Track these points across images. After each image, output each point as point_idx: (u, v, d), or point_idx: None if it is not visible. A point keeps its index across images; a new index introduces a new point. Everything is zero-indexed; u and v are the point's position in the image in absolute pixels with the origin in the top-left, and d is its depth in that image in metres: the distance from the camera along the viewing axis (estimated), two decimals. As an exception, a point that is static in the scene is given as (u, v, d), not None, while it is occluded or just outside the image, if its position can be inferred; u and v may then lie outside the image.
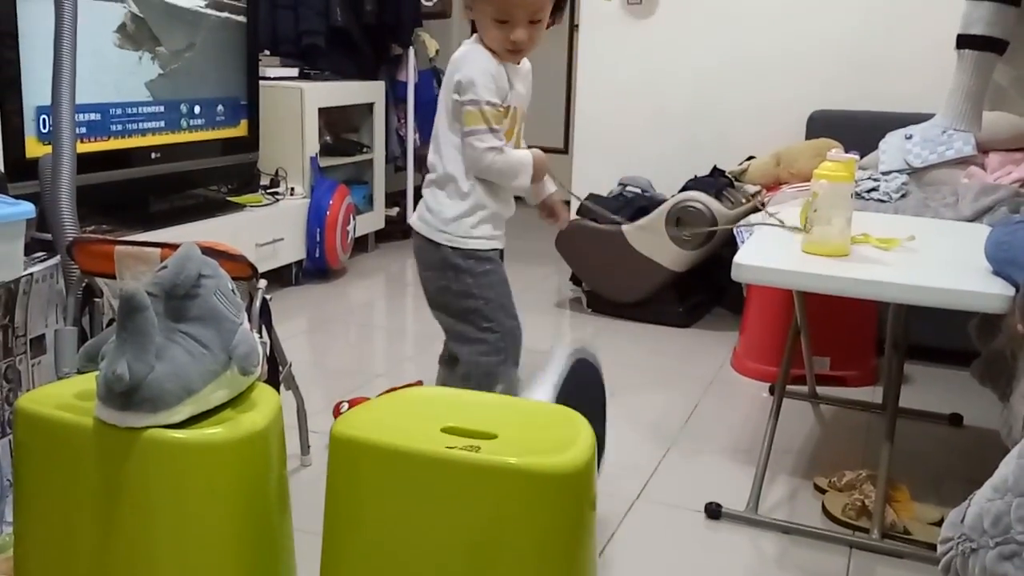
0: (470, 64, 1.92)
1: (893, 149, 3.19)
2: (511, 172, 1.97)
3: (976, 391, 2.12)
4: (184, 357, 1.23)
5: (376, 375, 2.81)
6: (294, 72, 4.03)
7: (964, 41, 3.04)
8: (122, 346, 1.18)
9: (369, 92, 4.32)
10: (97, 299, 1.89)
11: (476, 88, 1.89)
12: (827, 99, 3.67)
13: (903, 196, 3.00)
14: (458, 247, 2.00)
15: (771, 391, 2.73)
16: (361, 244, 4.33)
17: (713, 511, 2.04)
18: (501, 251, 2.08)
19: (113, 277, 1.82)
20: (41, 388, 1.41)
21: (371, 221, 4.40)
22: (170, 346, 1.23)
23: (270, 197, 3.73)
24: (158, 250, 1.77)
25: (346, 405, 2.36)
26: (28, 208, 1.78)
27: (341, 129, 4.40)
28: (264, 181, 3.82)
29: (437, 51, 4.76)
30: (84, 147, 2.70)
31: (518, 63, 1.98)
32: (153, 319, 1.20)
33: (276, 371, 2.03)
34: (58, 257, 1.93)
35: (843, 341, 2.83)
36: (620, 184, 3.68)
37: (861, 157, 3.22)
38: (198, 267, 1.28)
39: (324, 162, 3.96)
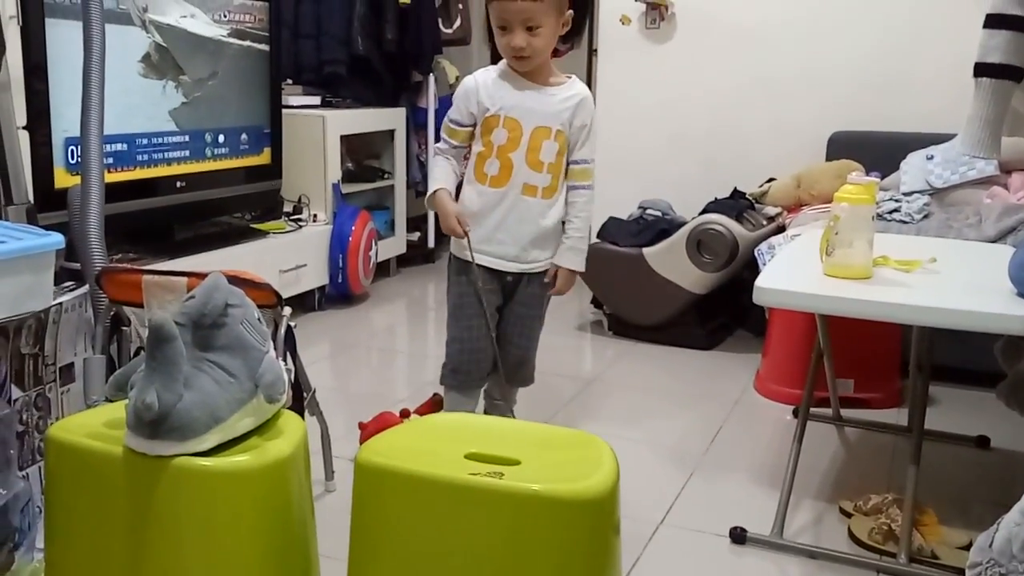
0: (463, 82, 2.16)
1: (914, 170, 3.19)
2: (429, 175, 2.22)
3: (1003, 413, 2.11)
4: (211, 386, 1.25)
5: (398, 400, 2.82)
6: (316, 100, 4.08)
7: (981, 69, 3.04)
8: (151, 375, 1.20)
9: (390, 119, 4.37)
10: (125, 328, 1.92)
11: (453, 102, 2.16)
12: (847, 119, 3.67)
13: (925, 217, 2.99)
14: (451, 252, 2.20)
15: (795, 414, 2.71)
16: (383, 269, 4.36)
17: (738, 536, 2.03)
18: (498, 271, 2.15)
19: (141, 306, 1.84)
20: (72, 417, 1.43)
21: (393, 246, 4.43)
22: (198, 375, 1.25)
23: (293, 224, 3.77)
24: (185, 279, 1.79)
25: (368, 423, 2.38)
26: (58, 239, 1.81)
27: (363, 156, 4.44)
28: (287, 208, 3.86)
29: (457, 77, 4.80)
30: (111, 177, 2.74)
31: (525, 68, 2.06)
32: (181, 349, 1.22)
33: (300, 397, 2.04)
34: (87, 286, 1.96)
35: (867, 363, 2.81)
36: (640, 207, 3.68)
37: (882, 178, 3.22)
38: (225, 297, 1.30)
39: (346, 188, 4.00)
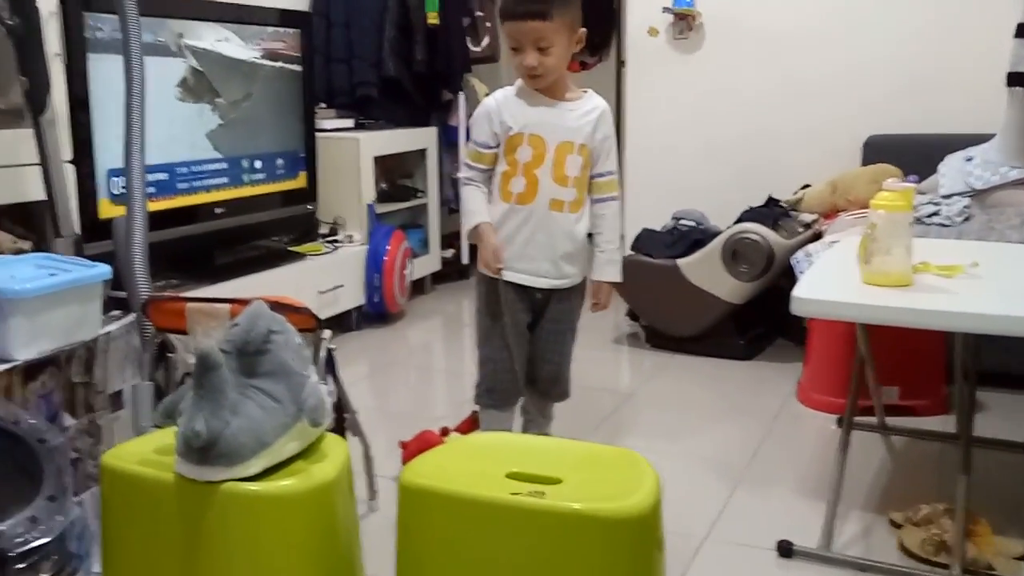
0: (479, 106, 2.20)
1: (953, 172, 3.15)
2: (463, 208, 2.21)
3: (1052, 417, 2.08)
4: (257, 412, 1.28)
5: (437, 417, 2.83)
6: (349, 123, 4.12)
7: (1015, 79, 3.00)
8: (199, 403, 1.23)
9: (422, 138, 4.40)
10: (171, 354, 1.95)
11: (472, 127, 2.19)
12: (882, 122, 3.63)
13: (966, 220, 2.95)
14: (478, 270, 2.21)
15: (839, 423, 2.68)
16: (418, 287, 4.39)
17: (785, 549, 2.02)
18: (527, 288, 2.16)
19: (186, 333, 1.88)
20: (124, 444, 1.47)
21: (427, 264, 4.46)
22: (244, 401, 1.27)
23: (329, 245, 3.81)
24: (228, 306, 1.82)
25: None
26: (105, 270, 1.85)
27: (396, 175, 4.48)
28: (323, 230, 3.90)
29: (487, 94, 4.82)
30: (152, 206, 2.79)
31: (539, 86, 2.09)
32: (227, 376, 1.25)
33: (342, 419, 2.06)
34: (133, 315, 2.00)
35: (911, 369, 2.78)
36: (674, 218, 3.68)
37: (920, 181, 3.19)
38: (268, 324, 1.33)
39: (380, 208, 4.04)
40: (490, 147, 2.14)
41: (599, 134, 2.14)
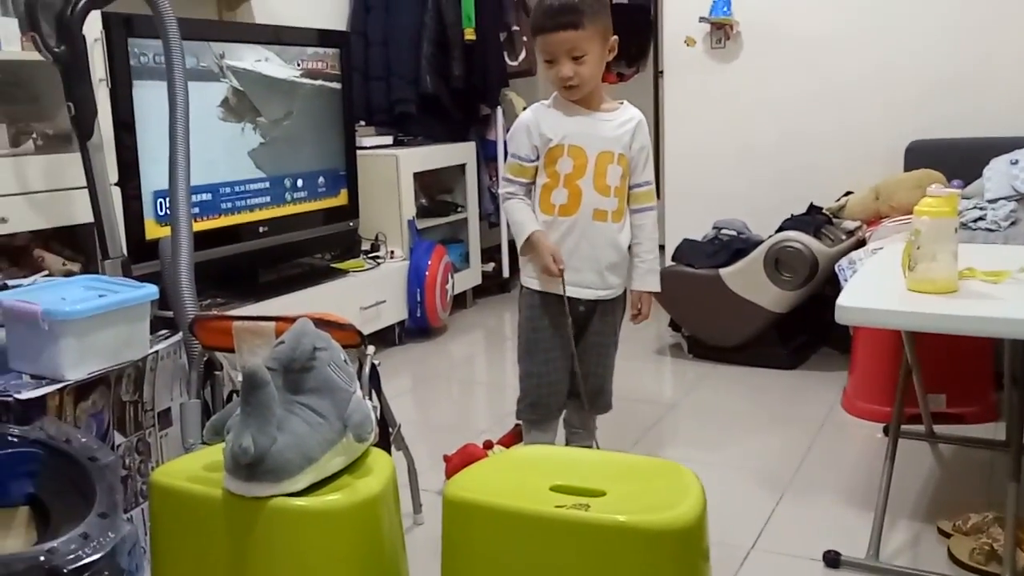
0: (517, 120, 2.20)
1: (999, 175, 3.10)
2: (511, 221, 2.19)
3: (1106, 424, 2.02)
4: (303, 428, 1.30)
5: (480, 430, 2.84)
6: (389, 140, 4.17)
7: None
8: (246, 420, 1.25)
9: (461, 153, 4.43)
10: (218, 372, 1.99)
11: (510, 142, 2.18)
12: (924, 126, 3.59)
13: (1013, 224, 2.91)
14: (522, 283, 2.22)
15: (885, 432, 2.65)
16: (460, 301, 4.41)
17: (832, 559, 1.99)
18: (575, 300, 2.15)
19: (232, 351, 1.91)
20: (172, 462, 1.50)
21: (468, 278, 4.49)
22: (290, 418, 1.29)
23: (371, 261, 3.85)
24: (273, 324, 1.85)
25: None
26: (152, 291, 1.89)
27: (435, 191, 4.51)
28: (365, 246, 3.94)
29: (524, 108, 4.85)
30: (197, 226, 2.85)
31: (576, 96, 2.10)
32: (274, 393, 1.27)
33: (387, 433, 2.08)
34: (180, 334, 2.04)
35: (959, 376, 2.73)
36: (715, 227, 3.66)
37: (965, 185, 3.15)
38: (312, 341, 1.35)
39: (421, 224, 4.07)
40: (531, 160, 2.14)
41: (636, 144, 2.15)
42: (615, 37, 2.10)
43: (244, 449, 1.23)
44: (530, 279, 2.19)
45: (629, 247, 2.19)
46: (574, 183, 2.11)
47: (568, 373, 2.20)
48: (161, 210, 2.83)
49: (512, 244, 4.65)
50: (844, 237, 3.39)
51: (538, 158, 2.14)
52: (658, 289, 2.23)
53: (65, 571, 1.39)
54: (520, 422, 2.32)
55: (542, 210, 2.15)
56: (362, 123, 4.14)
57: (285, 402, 1.31)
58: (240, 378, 1.88)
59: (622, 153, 2.13)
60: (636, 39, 5.57)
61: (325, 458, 1.33)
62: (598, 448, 2.30)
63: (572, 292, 2.14)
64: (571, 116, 2.12)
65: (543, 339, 2.17)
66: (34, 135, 2.57)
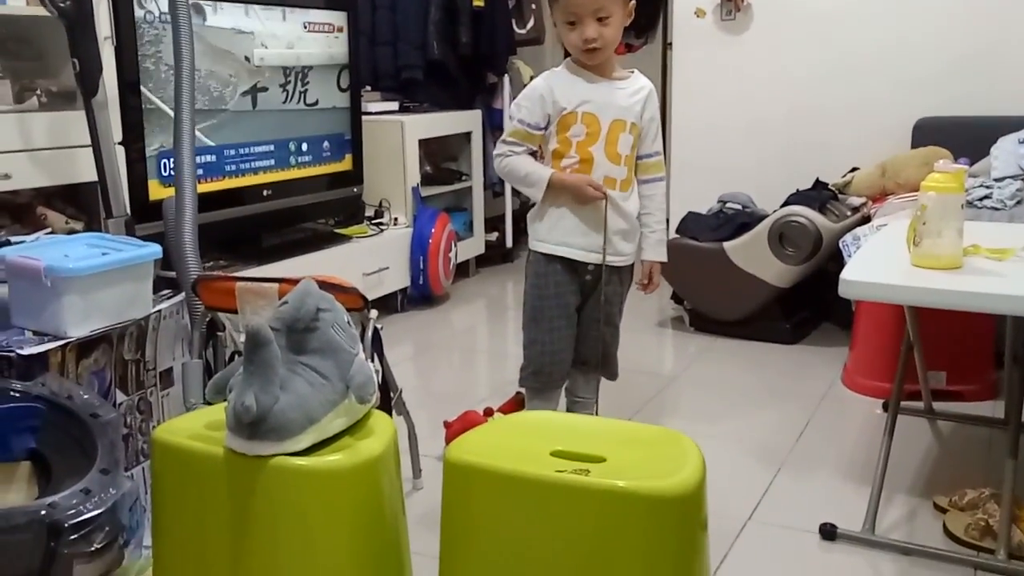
0: (528, 86, 2.18)
1: (1006, 154, 3.09)
2: (515, 178, 2.17)
3: (1106, 404, 2.03)
4: (305, 388, 1.30)
5: (480, 398, 2.86)
6: (394, 106, 4.15)
7: None
8: (249, 379, 1.25)
9: (466, 121, 4.41)
10: (220, 333, 1.99)
11: (518, 109, 2.13)
12: (933, 103, 3.57)
13: (1019, 203, 2.90)
14: (530, 248, 2.19)
15: (885, 408, 2.66)
16: (463, 269, 4.41)
17: (828, 532, 2.01)
18: (578, 266, 2.14)
19: (235, 312, 1.91)
20: (174, 420, 1.50)
21: (472, 247, 4.48)
22: (292, 378, 1.30)
23: (375, 228, 3.85)
24: (276, 285, 1.85)
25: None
26: (156, 249, 1.89)
27: (440, 158, 4.50)
28: (369, 212, 3.94)
29: (532, 77, 4.82)
30: (201, 188, 2.84)
31: (597, 60, 2.07)
32: (277, 353, 1.27)
33: (388, 397, 2.09)
34: (183, 294, 2.04)
35: (959, 354, 2.74)
36: (720, 201, 3.65)
37: (972, 164, 3.13)
38: (316, 302, 1.35)
39: (425, 191, 4.06)
40: (540, 128, 2.12)
41: (647, 113, 2.14)
42: (633, 2, 2.07)
43: (247, 407, 1.23)
44: (539, 242, 2.17)
45: (637, 216, 2.19)
46: (586, 149, 2.09)
47: (572, 342, 2.19)
48: (165, 171, 2.82)
49: (516, 214, 4.69)
50: (849, 213, 3.38)
51: (547, 127, 2.12)
52: (666, 259, 2.24)
53: (66, 525, 1.40)
54: (522, 390, 2.32)
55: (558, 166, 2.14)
56: (368, 88, 4.11)
57: (288, 362, 1.31)
58: (243, 338, 1.89)
59: (634, 122, 2.11)
60: (646, 10, 5.51)
61: (327, 419, 1.33)
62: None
63: (582, 256, 2.13)
64: (587, 82, 2.10)
65: (549, 307, 2.16)
66: (38, 92, 2.56)
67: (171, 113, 2.18)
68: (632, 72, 2.17)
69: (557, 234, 2.13)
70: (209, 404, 1.46)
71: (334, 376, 1.33)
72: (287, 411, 1.26)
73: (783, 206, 3.37)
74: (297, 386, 1.29)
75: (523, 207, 4.97)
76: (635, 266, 2.24)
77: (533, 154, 2.15)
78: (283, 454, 1.28)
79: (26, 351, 1.65)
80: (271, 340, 1.26)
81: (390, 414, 2.06)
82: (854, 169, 3.58)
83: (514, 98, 4.78)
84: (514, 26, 4.60)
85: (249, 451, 1.28)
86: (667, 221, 2.34)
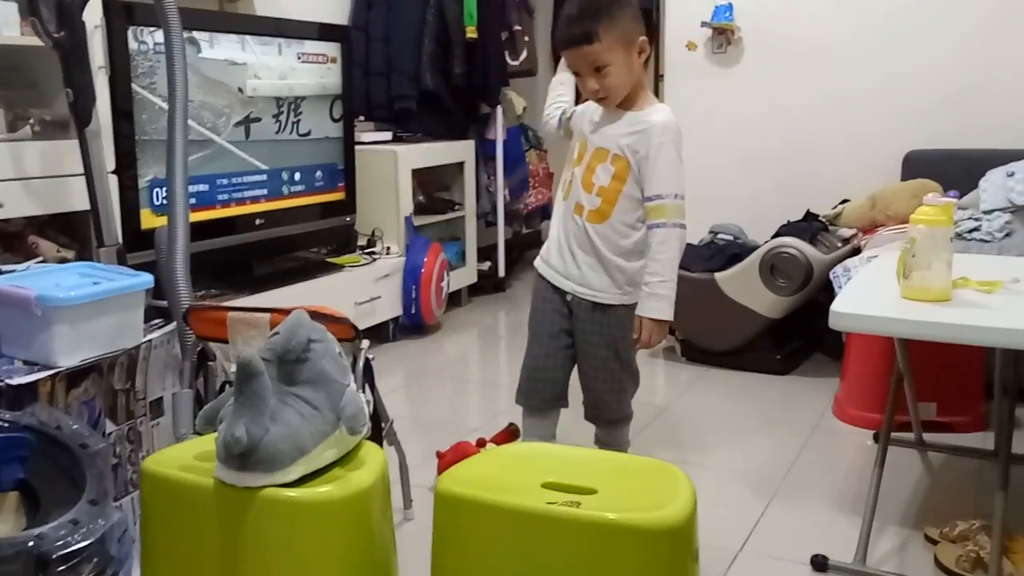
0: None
1: (994, 187, 3.11)
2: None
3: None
4: (296, 419, 1.30)
5: (472, 428, 2.84)
6: (388, 136, 4.16)
7: None
8: (239, 410, 1.25)
9: (459, 151, 4.44)
10: (211, 363, 1.99)
11: None
12: (923, 136, 3.60)
13: (1007, 235, 2.92)
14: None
15: (875, 439, 2.66)
16: (455, 299, 4.41)
17: (819, 564, 2.00)
18: (557, 288, 2.15)
19: (226, 342, 1.91)
20: (164, 450, 1.49)
21: (464, 276, 4.49)
22: (283, 409, 1.29)
23: (367, 257, 3.85)
24: (268, 315, 1.85)
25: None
26: (148, 279, 1.89)
27: (433, 188, 4.51)
28: (361, 241, 3.94)
29: (524, 108, 4.85)
30: (193, 216, 2.84)
31: (610, 107, 2.06)
32: (268, 384, 1.27)
33: (379, 427, 2.08)
34: (174, 324, 2.03)
35: (949, 386, 2.74)
36: (711, 232, 3.67)
37: (961, 196, 3.16)
38: (308, 333, 1.35)
39: (418, 221, 4.07)
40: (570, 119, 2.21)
41: (641, 150, 2.00)
42: (643, 38, 1.99)
43: (237, 439, 1.23)
44: (537, 260, 2.21)
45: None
46: (571, 170, 2.13)
47: (561, 364, 2.15)
48: (157, 200, 2.83)
49: (509, 243, 4.71)
50: (840, 244, 3.40)
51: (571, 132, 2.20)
52: (661, 316, 2.03)
53: (54, 557, 1.39)
54: (516, 419, 2.31)
55: (560, 186, 2.19)
56: (361, 118, 4.13)
57: (279, 393, 1.31)
58: (233, 368, 1.88)
59: (617, 155, 2.03)
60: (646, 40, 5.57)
61: (317, 450, 1.33)
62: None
63: (555, 279, 2.15)
64: (604, 110, 2.09)
65: (535, 320, 2.18)
66: (32, 120, 2.57)
67: (164, 142, 2.18)
68: (653, 106, 2.06)
69: (546, 250, 2.19)
70: (199, 435, 1.45)
71: (325, 407, 1.33)
72: (277, 442, 1.26)
73: (774, 237, 3.38)
74: (288, 417, 1.29)
75: (515, 236, 4.99)
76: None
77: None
78: (273, 485, 1.28)
79: (15, 380, 1.65)
80: (262, 371, 1.26)
81: (381, 444, 2.05)
82: (844, 201, 3.61)
83: (507, 129, 4.83)
84: (507, 58, 4.64)
85: (239, 482, 1.27)
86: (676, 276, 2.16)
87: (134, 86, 2.72)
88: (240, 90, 3.16)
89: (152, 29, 2.72)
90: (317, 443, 1.31)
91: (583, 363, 2.18)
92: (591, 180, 2.07)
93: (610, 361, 2.15)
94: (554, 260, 2.14)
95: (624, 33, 1.97)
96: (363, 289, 3.65)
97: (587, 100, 2.11)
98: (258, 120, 3.26)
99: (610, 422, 2.23)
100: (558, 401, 2.20)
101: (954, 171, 3.33)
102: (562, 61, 2.17)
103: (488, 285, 4.74)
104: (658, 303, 2.03)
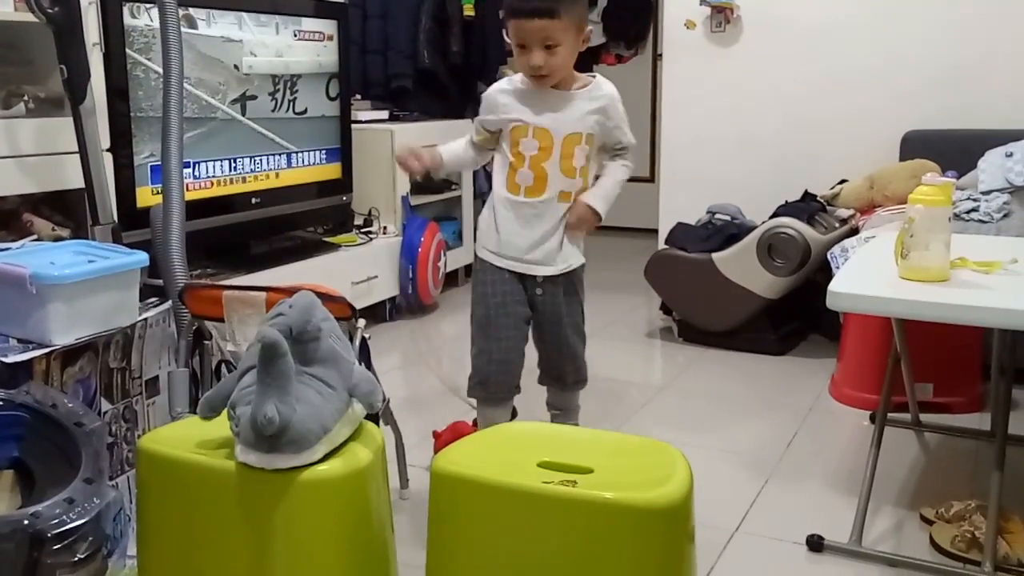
0: (489, 88, 2.17)
1: (993, 167, 3.10)
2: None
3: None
4: (317, 398, 1.30)
5: (469, 409, 2.85)
6: (384, 115, 4.14)
7: None
8: (267, 391, 1.24)
9: (456, 131, 4.36)
10: (207, 341, 1.98)
11: (480, 107, 2.18)
12: (921, 117, 3.59)
13: (1005, 216, 2.91)
14: (476, 254, 2.22)
15: (872, 419, 2.66)
16: (452, 279, 4.40)
17: (815, 543, 2.01)
18: (525, 278, 2.15)
19: (222, 320, 1.90)
20: (160, 429, 1.49)
21: (461, 256, 4.48)
22: (304, 388, 1.29)
23: (364, 236, 3.84)
24: (264, 294, 1.84)
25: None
26: (143, 257, 1.88)
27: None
28: (358, 221, 3.93)
29: (522, 87, 4.83)
30: (189, 195, 2.83)
31: (545, 86, 2.06)
32: (292, 364, 1.26)
33: (375, 407, 2.08)
34: (170, 302, 2.03)
35: (946, 366, 2.75)
36: (709, 212, 3.66)
37: (959, 177, 3.15)
38: (322, 313, 1.35)
39: (414, 200, 4.06)
40: (489, 131, 2.16)
41: (610, 120, 2.11)
42: (590, 28, 2.07)
43: (270, 419, 1.21)
44: (484, 250, 2.18)
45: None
46: (540, 165, 2.08)
47: (522, 352, 2.17)
48: (153, 178, 2.81)
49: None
50: (837, 225, 3.39)
51: (499, 131, 2.13)
52: (600, 210, 2.11)
53: (49, 535, 1.39)
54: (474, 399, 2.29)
55: (508, 190, 2.12)
56: (358, 97, 4.11)
57: (296, 373, 1.30)
58: (230, 347, 1.88)
59: (590, 133, 2.09)
60: (636, 21, 5.54)
61: (337, 427, 1.33)
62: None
63: (536, 270, 2.14)
64: (540, 96, 2.07)
65: (494, 315, 2.15)
66: (26, 98, 2.54)
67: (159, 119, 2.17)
68: (593, 79, 2.13)
69: (488, 239, 2.17)
70: (194, 414, 1.45)
71: (339, 385, 1.34)
72: (305, 422, 1.26)
73: (771, 217, 3.38)
74: (310, 396, 1.29)
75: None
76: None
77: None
78: (302, 466, 1.28)
79: (10, 359, 1.64)
80: (287, 351, 1.25)
81: (378, 423, 2.05)
82: (842, 181, 3.60)
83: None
84: (504, 36, 4.61)
85: (268, 465, 1.27)
86: (656, 232, 2.30)
87: (129, 52, 2.69)
88: (236, 67, 3.14)
89: (148, 6, 2.69)
90: (335, 421, 1.31)
91: (555, 335, 2.21)
92: (571, 165, 2.09)
93: (577, 317, 2.24)
94: (513, 251, 2.12)
95: (579, 18, 2.03)
96: (360, 268, 3.64)
97: (496, 91, 2.12)
98: (254, 98, 3.23)
99: (578, 381, 2.30)
100: (518, 388, 2.23)
101: (952, 151, 3.32)
102: (477, 120, 2.17)
103: (485, 265, 4.73)
104: (604, 204, 2.14)
